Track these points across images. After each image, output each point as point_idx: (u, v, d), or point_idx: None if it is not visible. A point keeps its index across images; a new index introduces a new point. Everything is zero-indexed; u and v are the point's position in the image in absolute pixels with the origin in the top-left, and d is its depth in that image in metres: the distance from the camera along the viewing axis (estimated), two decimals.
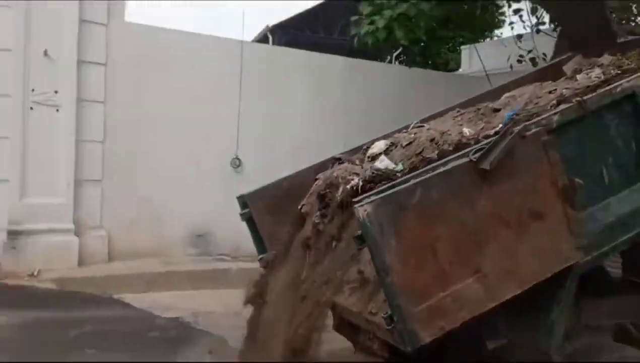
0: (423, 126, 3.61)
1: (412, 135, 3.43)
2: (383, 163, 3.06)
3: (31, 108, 6.46)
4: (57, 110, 6.59)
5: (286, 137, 8.06)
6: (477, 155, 2.50)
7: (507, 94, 3.83)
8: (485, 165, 2.48)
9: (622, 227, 2.94)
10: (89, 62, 6.79)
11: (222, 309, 5.31)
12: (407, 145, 3.27)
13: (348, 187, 2.98)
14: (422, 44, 10.17)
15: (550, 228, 2.66)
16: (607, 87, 3.02)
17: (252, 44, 7.86)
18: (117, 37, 6.98)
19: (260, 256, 3.50)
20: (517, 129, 2.60)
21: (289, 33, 14.82)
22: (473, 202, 2.50)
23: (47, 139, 6.55)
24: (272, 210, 3.47)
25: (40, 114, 6.51)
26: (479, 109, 3.60)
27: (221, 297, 5.62)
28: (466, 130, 3.06)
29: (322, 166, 3.67)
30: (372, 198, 2.38)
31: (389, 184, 2.56)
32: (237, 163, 7.80)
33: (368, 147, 3.60)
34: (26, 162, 6.46)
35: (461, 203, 2.49)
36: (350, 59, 8.63)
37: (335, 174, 3.15)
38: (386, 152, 3.37)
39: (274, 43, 16.41)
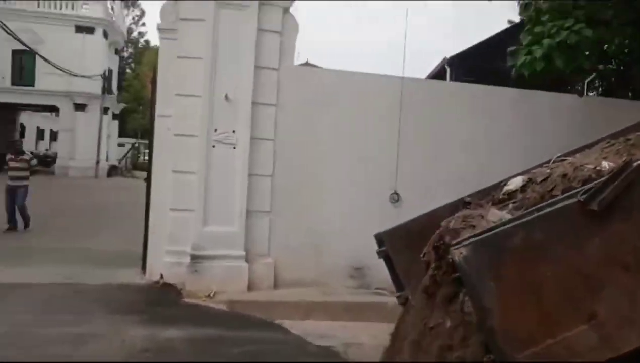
0: (565, 160, 3.35)
1: (549, 170, 3.20)
2: (495, 216, 2.89)
3: (213, 146, 7.29)
4: (234, 147, 7.34)
5: (445, 172, 7.93)
6: (586, 194, 2.28)
7: None
8: (594, 205, 2.25)
9: None
10: (262, 103, 7.46)
11: (374, 342, 5.32)
12: (542, 181, 3.06)
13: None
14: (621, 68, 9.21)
15: None
16: None
17: (412, 79, 7.94)
18: (287, 79, 7.59)
19: (398, 294, 3.50)
20: (636, 164, 2.32)
21: (466, 64, 14.74)
22: (583, 245, 2.29)
23: (225, 174, 7.31)
24: (407, 248, 3.46)
25: (221, 151, 7.31)
26: (629, 139, 3.25)
27: (375, 330, 5.64)
28: (605, 164, 2.78)
29: (456, 205, 3.59)
30: (470, 240, 2.30)
31: (490, 226, 2.45)
32: (395, 198, 7.87)
33: (505, 183, 3.43)
34: (208, 194, 7.28)
35: (569, 245, 2.30)
36: (515, 90, 8.27)
37: (451, 225, 3.04)
38: (523, 188, 3.19)
39: (451, 74, 16.45)
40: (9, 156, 11.87)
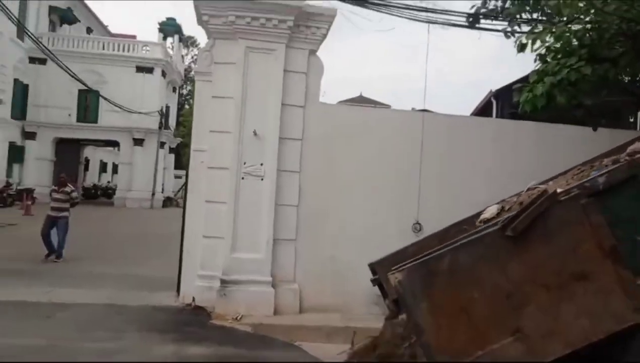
0: (537, 187, 3.63)
1: (520, 198, 3.49)
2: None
3: (243, 178, 7.84)
4: (262, 179, 7.87)
5: (467, 203, 8.07)
6: (505, 221, 2.59)
7: (631, 147, 3.63)
8: (509, 231, 2.55)
9: None
10: (288, 138, 7.99)
11: None
12: (509, 209, 3.36)
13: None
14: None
15: (600, 289, 2.55)
16: None
17: (432, 115, 8.29)
18: (312, 116, 8.10)
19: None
20: (550, 193, 2.61)
21: (511, 96, 14.87)
22: (505, 267, 2.59)
23: (254, 204, 7.83)
24: None
25: (249, 183, 7.85)
26: (593, 166, 3.51)
27: None
28: (559, 190, 3.06)
29: (446, 233, 3.89)
30: (405, 266, 2.65)
31: (425, 253, 2.78)
32: (417, 228, 8.14)
33: (481, 213, 3.73)
34: (237, 222, 7.80)
35: (493, 268, 2.60)
36: (533, 123, 8.46)
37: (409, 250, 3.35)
38: (497, 216, 3.48)
39: (497, 107, 16.58)
40: (52, 188, 12.45)
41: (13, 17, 18.01)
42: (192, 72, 61.13)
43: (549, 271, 2.64)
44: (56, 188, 12.15)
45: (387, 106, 41.54)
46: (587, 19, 6.09)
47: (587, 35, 6.11)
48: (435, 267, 2.68)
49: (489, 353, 2.56)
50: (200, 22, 7.99)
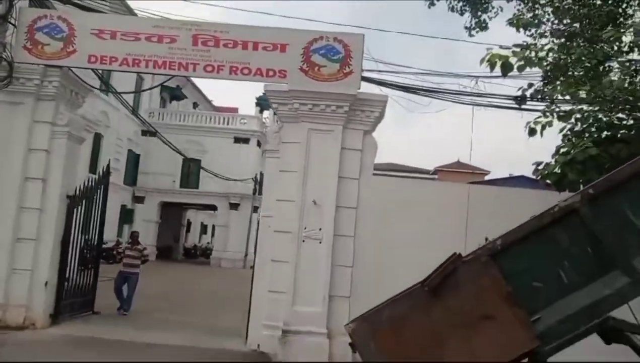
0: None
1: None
2: None
3: (303, 241, 9.04)
4: (320, 242, 9.02)
5: None
6: (426, 279, 3.54)
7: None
8: (426, 287, 3.49)
9: (586, 316, 3.48)
10: (344, 206, 9.14)
11: None
12: None
13: None
14: None
15: (502, 325, 3.38)
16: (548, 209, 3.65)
17: (477, 187, 9.07)
18: (365, 187, 9.23)
19: None
20: (456, 255, 3.53)
21: None
22: (429, 312, 3.51)
23: (312, 264, 8.95)
24: None
25: (309, 245, 9.02)
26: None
27: None
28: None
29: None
30: (357, 318, 3.65)
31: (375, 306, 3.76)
32: None
33: None
34: (297, 279, 8.94)
35: (420, 315, 3.53)
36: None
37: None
38: None
39: None
40: (126, 245, 13.01)
41: (127, 103, 20.93)
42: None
43: (461, 314, 3.55)
44: (129, 245, 12.75)
45: (486, 172, 41.83)
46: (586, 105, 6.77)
47: (592, 116, 6.81)
48: (377, 317, 3.69)
49: None
50: (271, 107, 9.54)
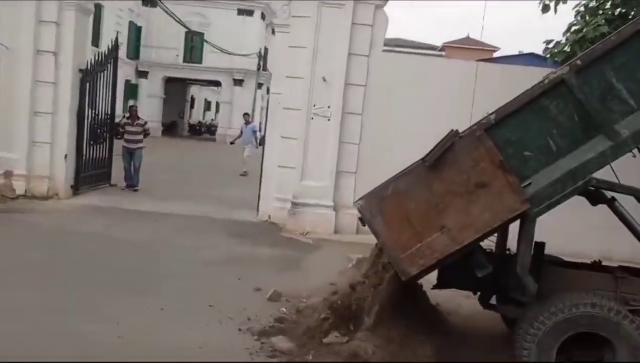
0: None
1: None
2: None
3: (312, 118, 9.21)
4: (328, 119, 9.19)
5: None
6: (426, 156, 3.80)
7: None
8: (427, 162, 3.75)
9: (571, 178, 3.93)
10: (353, 84, 9.19)
11: None
12: None
13: None
14: None
15: (495, 191, 3.72)
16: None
17: (485, 64, 9.02)
18: (375, 64, 9.20)
19: None
20: (453, 132, 3.76)
21: None
22: (430, 186, 3.80)
23: (320, 140, 9.20)
24: None
25: (317, 122, 9.21)
26: None
27: None
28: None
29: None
30: (365, 194, 3.94)
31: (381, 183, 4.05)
32: None
33: None
34: (306, 155, 9.25)
35: (422, 188, 3.82)
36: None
37: None
38: None
39: None
40: (124, 120, 12.45)
41: None
42: None
43: (459, 184, 3.86)
44: (129, 120, 12.28)
45: (495, 48, 40.88)
46: None
47: None
48: (383, 192, 3.98)
49: (425, 244, 3.85)
50: None
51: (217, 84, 38.51)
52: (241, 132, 17.79)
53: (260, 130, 18.39)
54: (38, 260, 6.26)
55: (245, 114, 19.13)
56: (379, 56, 9.28)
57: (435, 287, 5.19)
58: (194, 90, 43.97)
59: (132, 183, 11.89)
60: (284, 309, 5.31)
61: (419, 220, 3.90)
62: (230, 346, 4.39)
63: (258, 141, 16.90)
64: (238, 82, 36.04)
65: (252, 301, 5.40)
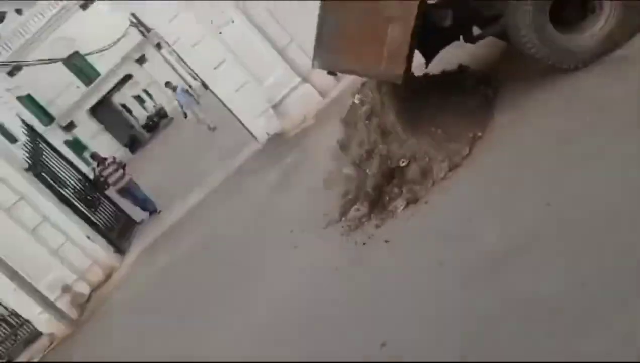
0: None
1: None
2: None
3: (220, 33, 9.03)
4: (233, 21, 9.00)
5: None
6: None
7: None
8: None
9: None
10: None
11: None
12: None
13: None
14: None
15: None
16: None
17: None
18: None
19: None
20: None
21: None
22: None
23: (243, 44, 9.07)
24: None
25: (227, 33, 9.03)
26: None
27: None
28: None
29: None
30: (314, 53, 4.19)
31: None
32: None
33: None
34: (245, 64, 9.19)
35: (347, 11, 4.24)
36: None
37: None
38: None
39: None
40: (97, 171, 11.86)
41: None
42: None
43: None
44: (101, 167, 11.83)
45: None
46: None
47: None
48: (324, 40, 4.37)
49: (389, 44, 4.13)
50: None
51: (128, 77, 37.23)
52: (178, 101, 17.45)
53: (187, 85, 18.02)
54: None
55: (167, 83, 18.71)
56: None
57: (427, 65, 5.38)
58: (117, 97, 42.57)
59: (152, 209, 11.96)
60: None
61: (369, 34, 4.06)
62: None
63: (196, 95, 16.55)
64: (140, 60, 34.71)
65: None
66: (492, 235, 3.48)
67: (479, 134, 4.49)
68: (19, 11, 38.05)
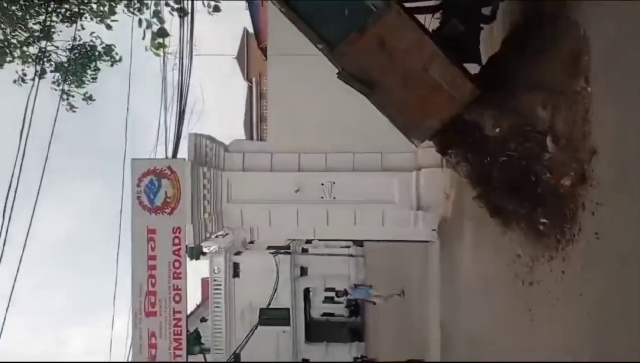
0: None
1: None
2: None
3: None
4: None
5: None
6: None
7: None
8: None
9: None
10: None
11: None
12: None
13: None
14: None
15: None
16: None
17: None
18: None
19: None
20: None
21: None
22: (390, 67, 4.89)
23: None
24: None
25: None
26: None
27: None
28: None
29: None
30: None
31: None
32: None
33: None
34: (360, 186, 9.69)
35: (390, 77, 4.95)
36: None
37: None
38: None
39: None
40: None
41: None
42: None
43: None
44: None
45: None
46: None
47: None
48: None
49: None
50: None
51: (307, 291, 37.68)
52: (357, 300, 18.13)
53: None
54: None
55: (336, 293, 21.25)
56: None
57: (480, 63, 5.60)
58: (314, 312, 41.64)
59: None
60: None
61: (422, 88, 4.68)
62: None
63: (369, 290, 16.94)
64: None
65: None
66: None
67: None
68: None
